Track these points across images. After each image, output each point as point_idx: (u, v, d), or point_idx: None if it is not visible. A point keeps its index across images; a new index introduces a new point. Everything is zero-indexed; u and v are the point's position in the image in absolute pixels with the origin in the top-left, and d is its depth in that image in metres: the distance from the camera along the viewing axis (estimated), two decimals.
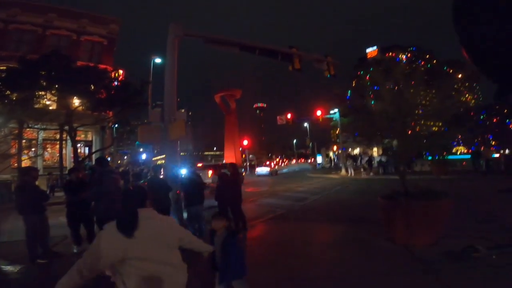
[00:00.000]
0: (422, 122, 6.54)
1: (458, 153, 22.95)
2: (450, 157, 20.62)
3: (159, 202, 6.49)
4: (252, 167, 41.49)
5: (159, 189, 6.57)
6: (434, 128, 6.91)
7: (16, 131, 16.99)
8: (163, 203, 6.50)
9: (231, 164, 7.72)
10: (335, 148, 45.65)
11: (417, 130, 6.26)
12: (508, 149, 23.43)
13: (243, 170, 32.18)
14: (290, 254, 5.21)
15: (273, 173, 32.18)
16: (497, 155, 21.41)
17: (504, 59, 0.94)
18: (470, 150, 22.51)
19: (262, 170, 33.18)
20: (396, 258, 4.60)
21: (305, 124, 48.75)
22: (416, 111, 5.91)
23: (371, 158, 24.39)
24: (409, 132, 5.77)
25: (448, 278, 3.78)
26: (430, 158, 18.28)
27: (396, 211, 5.29)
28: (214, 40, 8.74)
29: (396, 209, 5.29)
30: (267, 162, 52.35)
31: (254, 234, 6.83)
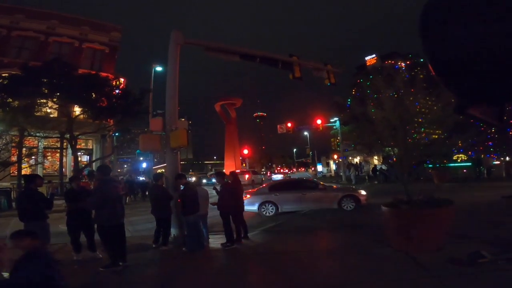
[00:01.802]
0: (423, 130, 6.56)
1: (459, 160, 22.83)
2: (451, 164, 20.54)
3: (160, 210, 6.48)
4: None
5: (160, 197, 6.56)
6: (434, 136, 6.93)
7: (17, 139, 16.99)
8: (164, 211, 6.48)
9: (232, 173, 7.68)
10: (335, 156, 45.61)
11: (418, 138, 6.29)
12: (509, 156, 23.42)
13: (262, 176, 38.03)
14: (291, 262, 5.15)
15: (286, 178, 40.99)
16: (497, 162, 21.40)
17: (466, 71, 0.97)
18: (471, 158, 22.44)
19: (277, 176, 42.50)
20: (400, 265, 4.55)
21: (305, 133, 48.80)
22: (416, 119, 5.94)
23: (376, 167, 24.17)
24: (410, 140, 5.78)
25: (453, 283, 3.74)
26: (431, 166, 18.24)
27: (399, 219, 5.27)
28: (214, 48, 8.79)
29: (399, 216, 5.27)
30: (281, 170, 70.14)
31: (255, 242, 6.75)
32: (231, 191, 6.77)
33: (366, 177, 23.81)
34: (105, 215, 4.87)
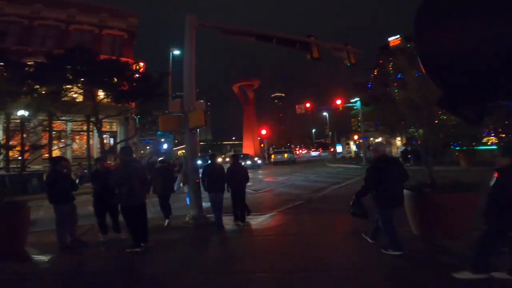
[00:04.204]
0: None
1: (489, 143, 21.52)
2: (480, 147, 19.48)
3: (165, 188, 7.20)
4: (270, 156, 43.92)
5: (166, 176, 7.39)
6: None
7: (46, 123, 17.83)
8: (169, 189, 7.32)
9: (233, 156, 7.46)
10: (355, 137, 44.56)
11: (444, 119, 5.96)
12: None
13: (295, 155, 41.90)
14: (307, 244, 5.19)
15: (320, 155, 58.30)
16: None
17: (453, 72, 1.04)
18: (502, 141, 21.08)
19: (315, 153, 59.98)
20: (420, 251, 4.47)
21: (324, 113, 47.76)
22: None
23: (407, 149, 22.89)
24: (436, 121, 5.50)
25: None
26: (458, 148, 17.39)
27: (420, 203, 5.11)
28: (230, 31, 8.64)
29: (420, 200, 5.11)
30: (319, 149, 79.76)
31: (270, 224, 6.85)
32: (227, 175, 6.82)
33: (400, 159, 22.34)
34: (124, 195, 5.00)
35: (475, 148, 17.74)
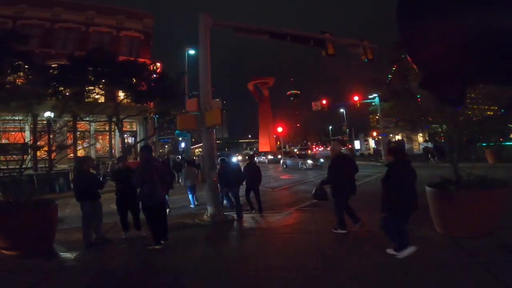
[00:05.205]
0: (475, 106, 5.94)
1: None
2: (508, 143, 18.48)
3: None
4: (288, 153, 43.67)
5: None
6: (488, 113, 6.26)
7: (71, 123, 18.55)
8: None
9: (251, 156, 8.87)
10: (374, 134, 43.55)
11: (469, 114, 5.72)
12: None
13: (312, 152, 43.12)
14: (324, 242, 5.13)
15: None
16: None
17: (435, 57, 1.11)
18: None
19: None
20: (444, 250, 4.32)
21: (341, 110, 46.95)
22: (468, 94, 5.37)
23: (437, 145, 21.59)
24: (461, 118, 5.27)
25: (502, 272, 3.47)
26: (484, 144, 16.58)
27: (445, 200, 4.93)
28: (244, 29, 8.65)
29: (445, 198, 4.93)
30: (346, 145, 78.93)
31: (287, 221, 6.83)
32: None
33: (430, 155, 21.23)
34: (145, 193, 5.12)
35: (502, 144, 16.86)
